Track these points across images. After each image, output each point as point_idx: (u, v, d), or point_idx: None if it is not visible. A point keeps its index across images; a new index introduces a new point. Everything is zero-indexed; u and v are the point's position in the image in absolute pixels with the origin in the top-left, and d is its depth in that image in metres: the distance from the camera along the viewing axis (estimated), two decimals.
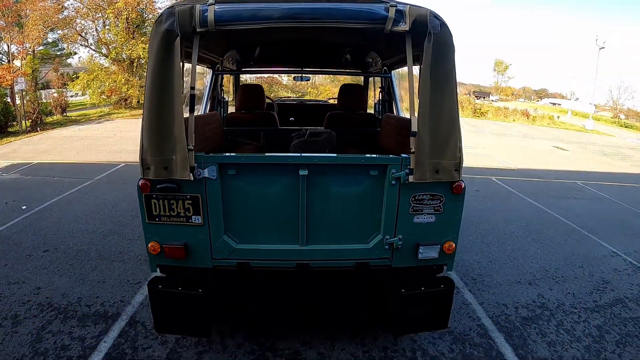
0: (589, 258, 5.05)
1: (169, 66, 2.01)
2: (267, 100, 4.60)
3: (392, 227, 2.34)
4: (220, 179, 2.21)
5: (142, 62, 19.63)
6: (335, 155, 2.50)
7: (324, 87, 27.23)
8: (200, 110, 4.05)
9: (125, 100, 19.74)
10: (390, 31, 2.05)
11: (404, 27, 2.04)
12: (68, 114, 17.57)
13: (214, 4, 1.98)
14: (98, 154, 9.73)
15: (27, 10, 16.60)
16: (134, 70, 19.65)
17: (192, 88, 2.12)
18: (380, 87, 4.33)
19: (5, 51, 17.03)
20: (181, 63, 2.06)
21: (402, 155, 2.27)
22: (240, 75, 5.69)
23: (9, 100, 14.86)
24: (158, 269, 2.45)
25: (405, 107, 3.96)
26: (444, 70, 2.11)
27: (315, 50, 3.89)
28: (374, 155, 2.45)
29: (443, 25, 2.07)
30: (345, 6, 2.03)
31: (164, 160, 2.11)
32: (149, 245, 2.33)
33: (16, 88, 13.76)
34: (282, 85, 26.87)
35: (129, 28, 19.18)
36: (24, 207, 5.63)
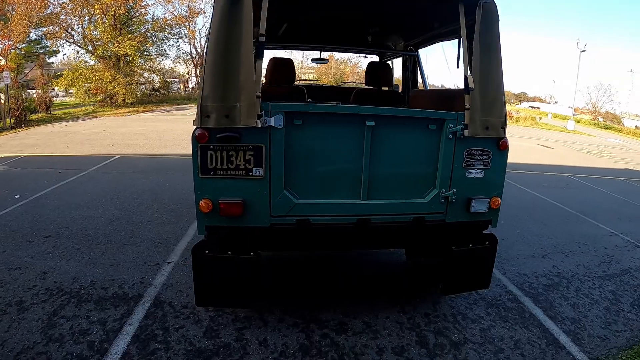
0: (590, 237, 5.18)
1: (238, 9, 1.84)
2: None
3: (447, 181, 2.31)
4: (285, 129, 2.01)
5: (129, 59, 18.64)
6: (400, 108, 2.41)
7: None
8: None
9: (111, 98, 18.50)
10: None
11: None
12: (52, 112, 16.37)
13: None
14: (89, 147, 9.00)
15: (14, 5, 15.35)
16: (120, 67, 18.48)
17: (262, 35, 1.90)
18: (405, 65, 4.09)
19: None
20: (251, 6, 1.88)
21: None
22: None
23: None
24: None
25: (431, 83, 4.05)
26: (492, 37, 2.20)
27: (341, 29, 3.61)
28: (434, 110, 2.35)
29: None
30: None
31: (226, 107, 1.89)
32: (201, 202, 2.03)
33: (0, 84, 12.66)
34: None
35: (115, 25, 18.01)
36: (17, 196, 5.00)
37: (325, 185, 2.19)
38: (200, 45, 28.63)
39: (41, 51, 19.50)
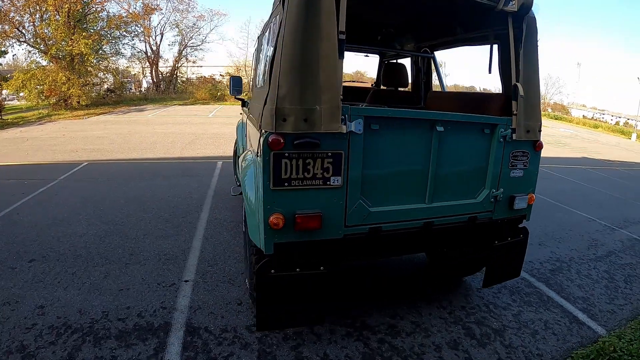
0: (573, 223, 5.43)
1: (319, 4, 1.60)
2: None
3: (495, 181, 2.34)
4: (363, 134, 1.79)
5: (84, 59, 16.69)
6: (463, 114, 2.26)
7: None
8: None
9: (66, 100, 16.41)
10: (500, 9, 2.12)
11: (512, 7, 2.14)
12: (4, 117, 14.32)
13: None
14: (52, 154, 7.85)
15: None
16: (74, 68, 16.38)
17: (342, 33, 1.68)
18: (417, 67, 3.91)
19: None
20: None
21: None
22: None
23: None
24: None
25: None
26: (533, 47, 2.26)
27: (366, 29, 3.38)
28: (490, 116, 2.32)
29: (533, 11, 2.21)
30: None
31: (304, 110, 1.61)
32: (271, 218, 1.71)
33: None
34: None
35: (69, 22, 15.86)
36: None
37: (395, 190, 2.07)
38: (156, 43, 26.72)
39: None
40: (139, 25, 21.54)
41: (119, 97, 21.28)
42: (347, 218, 1.90)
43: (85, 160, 7.23)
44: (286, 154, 1.69)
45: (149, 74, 27.15)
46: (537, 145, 2.43)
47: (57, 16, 15.80)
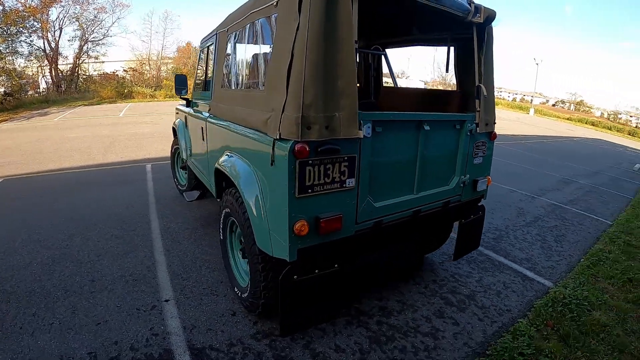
0: (499, 195, 6.23)
1: (338, 11, 1.62)
2: None
3: (463, 168, 2.66)
4: (371, 137, 1.93)
5: None
6: (444, 113, 2.56)
7: None
8: None
9: None
10: (469, 20, 2.36)
11: (478, 19, 2.40)
12: None
13: None
14: None
15: None
16: None
17: (355, 41, 1.72)
18: (367, 63, 4.04)
19: None
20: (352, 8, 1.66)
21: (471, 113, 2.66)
22: None
23: None
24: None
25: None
26: (491, 52, 2.62)
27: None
28: (462, 114, 2.63)
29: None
30: None
31: (326, 117, 1.64)
32: (296, 226, 1.73)
33: None
34: None
35: None
36: None
37: (392, 185, 2.25)
38: (55, 39, 23.26)
39: None
40: (37, 20, 18.48)
41: (18, 101, 18.44)
42: (357, 216, 2.00)
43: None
44: (310, 162, 1.71)
45: (48, 74, 23.60)
46: (492, 136, 2.83)
47: None
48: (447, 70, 2.98)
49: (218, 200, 2.99)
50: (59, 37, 23.70)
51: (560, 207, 5.93)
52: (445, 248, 3.72)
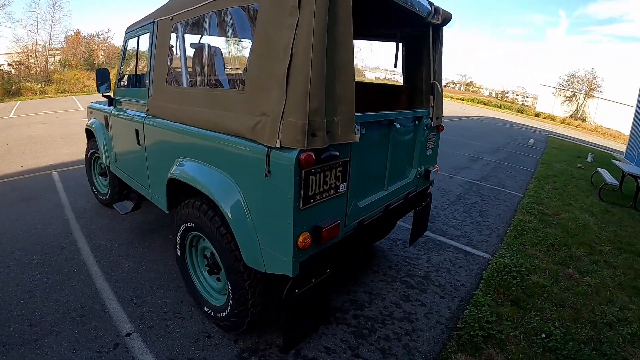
0: None
1: (338, 8, 1.56)
2: None
3: (418, 160, 2.87)
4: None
5: None
6: (409, 110, 2.69)
7: None
8: None
9: None
10: (427, 21, 2.49)
11: (436, 20, 2.53)
12: None
13: None
14: None
15: None
16: None
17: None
18: None
19: None
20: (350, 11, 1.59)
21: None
22: None
23: None
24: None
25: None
26: (441, 52, 2.82)
27: None
28: (422, 109, 2.80)
29: None
30: None
31: (327, 123, 1.59)
32: (300, 239, 1.66)
33: None
34: None
35: None
36: None
37: (369, 184, 2.31)
38: None
39: None
40: None
41: None
42: (347, 218, 2.03)
43: None
44: (313, 170, 1.65)
45: None
46: (440, 128, 3.08)
47: None
48: (395, 66, 3.13)
49: (167, 212, 2.72)
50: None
51: (476, 184, 6.80)
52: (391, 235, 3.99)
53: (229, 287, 2.12)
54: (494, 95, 57.55)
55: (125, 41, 3.49)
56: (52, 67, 24.57)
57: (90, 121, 4.20)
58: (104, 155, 3.82)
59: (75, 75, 22.53)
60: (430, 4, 2.49)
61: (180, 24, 2.44)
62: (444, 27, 2.76)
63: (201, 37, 2.63)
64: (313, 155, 1.58)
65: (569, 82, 36.59)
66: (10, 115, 12.87)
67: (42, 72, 23.71)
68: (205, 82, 2.42)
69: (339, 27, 1.57)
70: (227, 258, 2.04)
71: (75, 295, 2.75)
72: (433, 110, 2.84)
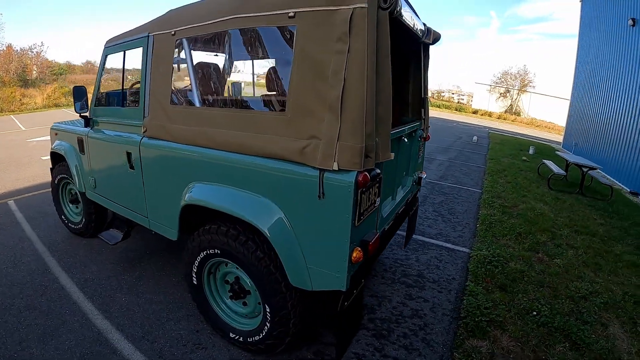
0: None
1: (381, 32, 1.67)
2: None
3: (413, 168, 3.18)
4: None
5: None
6: (413, 124, 2.99)
7: None
8: None
9: None
10: (422, 41, 2.72)
11: (428, 40, 2.79)
12: None
13: None
14: None
15: None
16: None
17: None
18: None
19: None
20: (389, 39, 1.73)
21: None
22: None
23: None
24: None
25: None
26: (428, 68, 3.18)
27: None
28: (417, 122, 3.14)
29: None
30: None
31: (374, 144, 1.75)
32: (354, 254, 1.81)
33: None
34: None
35: None
36: None
37: (386, 195, 2.53)
38: None
39: None
40: None
41: None
42: (377, 229, 2.22)
43: None
44: (364, 189, 1.79)
45: None
46: (426, 137, 3.42)
47: None
48: None
49: (174, 239, 2.67)
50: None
51: (437, 184, 7.39)
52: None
53: (267, 309, 2.16)
54: (429, 95, 61.62)
55: (105, 56, 3.31)
56: None
57: (56, 144, 3.94)
58: (77, 181, 3.62)
59: (12, 92, 20.34)
60: (424, 24, 2.70)
61: (187, 39, 2.39)
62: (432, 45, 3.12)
63: (216, 54, 2.64)
64: (368, 174, 1.73)
65: (503, 79, 40.18)
66: None
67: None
68: (228, 103, 2.41)
69: (381, 53, 1.68)
70: (264, 281, 2.08)
71: (76, 340, 2.60)
72: (424, 122, 3.20)
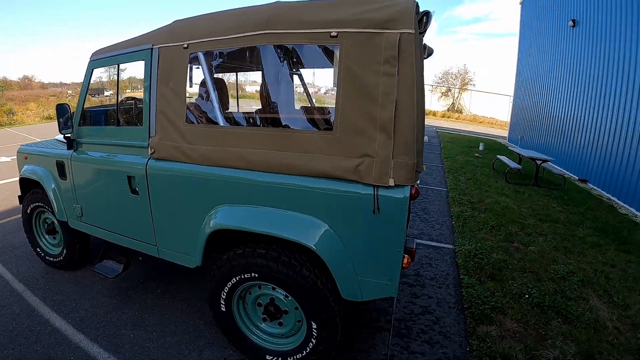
0: None
1: (418, 56, 1.83)
2: None
3: None
4: None
5: None
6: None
7: None
8: None
9: None
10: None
11: (424, 55, 3.03)
12: None
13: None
14: None
15: None
16: None
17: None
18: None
19: None
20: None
21: None
22: None
23: None
24: None
25: None
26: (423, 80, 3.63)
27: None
28: None
29: None
30: None
31: (420, 160, 1.97)
32: (404, 262, 2.02)
33: None
34: None
35: None
36: None
37: None
38: None
39: None
40: None
41: None
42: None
43: None
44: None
45: None
46: None
47: None
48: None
49: (192, 267, 2.60)
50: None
51: None
52: None
53: (313, 326, 2.25)
54: None
55: (91, 70, 3.07)
56: None
57: (25, 168, 3.67)
58: (58, 209, 3.40)
59: None
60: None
61: (205, 54, 2.32)
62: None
63: (237, 71, 2.59)
64: (418, 188, 1.96)
65: (444, 79, 42.87)
66: None
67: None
68: (263, 121, 2.40)
69: (419, 75, 1.85)
70: (311, 299, 2.16)
71: None
72: None
